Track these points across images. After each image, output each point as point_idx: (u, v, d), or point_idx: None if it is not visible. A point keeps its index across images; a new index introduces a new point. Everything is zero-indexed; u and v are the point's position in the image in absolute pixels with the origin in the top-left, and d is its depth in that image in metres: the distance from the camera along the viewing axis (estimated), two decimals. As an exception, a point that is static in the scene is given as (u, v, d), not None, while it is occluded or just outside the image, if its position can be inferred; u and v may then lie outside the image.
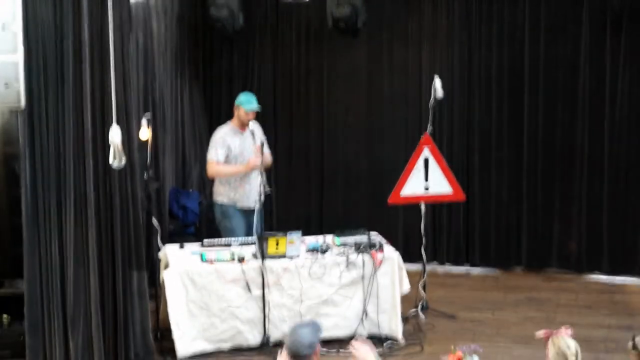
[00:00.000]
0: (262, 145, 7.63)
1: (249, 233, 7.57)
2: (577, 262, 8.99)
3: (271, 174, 8.27)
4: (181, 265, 6.95)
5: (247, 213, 7.71)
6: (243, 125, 7.71)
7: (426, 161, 7.76)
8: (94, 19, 6.07)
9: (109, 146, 5.30)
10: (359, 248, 7.16)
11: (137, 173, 6.48)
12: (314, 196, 9.56)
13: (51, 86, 6.06)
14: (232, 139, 7.69)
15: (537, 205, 9.04)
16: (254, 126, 7.75)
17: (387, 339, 7.13)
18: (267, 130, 8.27)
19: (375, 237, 7.47)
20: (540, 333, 4.65)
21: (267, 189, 7.51)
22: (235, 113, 7.74)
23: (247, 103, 7.67)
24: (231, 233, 7.71)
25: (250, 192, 7.66)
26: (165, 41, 8.61)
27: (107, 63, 5.94)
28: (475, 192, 9.17)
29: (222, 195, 7.83)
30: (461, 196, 8.06)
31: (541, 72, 8.91)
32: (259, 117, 8.10)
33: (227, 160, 7.67)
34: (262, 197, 7.31)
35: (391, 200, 7.88)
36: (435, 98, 7.79)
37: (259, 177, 7.40)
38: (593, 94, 8.81)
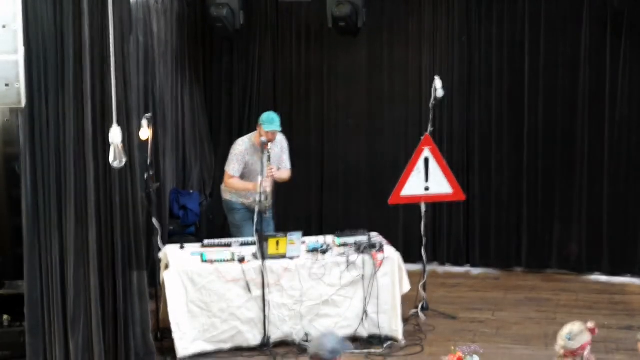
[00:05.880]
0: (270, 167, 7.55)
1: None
2: (577, 262, 9.00)
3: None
4: (181, 266, 6.94)
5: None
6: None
7: (426, 161, 7.77)
8: (94, 19, 6.06)
9: (109, 146, 5.28)
10: (359, 248, 7.15)
11: (137, 173, 6.46)
12: (314, 196, 9.56)
13: (51, 86, 6.05)
14: (251, 157, 7.67)
15: (537, 206, 9.04)
16: (277, 144, 7.72)
17: (387, 339, 7.13)
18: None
19: (376, 237, 7.46)
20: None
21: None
22: (257, 129, 7.67)
23: (267, 123, 7.56)
24: (235, 227, 7.85)
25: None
26: (165, 41, 8.61)
27: (107, 63, 5.94)
28: (475, 192, 9.17)
29: (226, 191, 7.90)
30: (461, 196, 8.05)
31: (541, 72, 8.91)
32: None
33: (242, 173, 7.69)
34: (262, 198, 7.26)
35: (391, 200, 7.88)
36: (435, 98, 7.80)
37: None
38: (593, 94, 8.82)
